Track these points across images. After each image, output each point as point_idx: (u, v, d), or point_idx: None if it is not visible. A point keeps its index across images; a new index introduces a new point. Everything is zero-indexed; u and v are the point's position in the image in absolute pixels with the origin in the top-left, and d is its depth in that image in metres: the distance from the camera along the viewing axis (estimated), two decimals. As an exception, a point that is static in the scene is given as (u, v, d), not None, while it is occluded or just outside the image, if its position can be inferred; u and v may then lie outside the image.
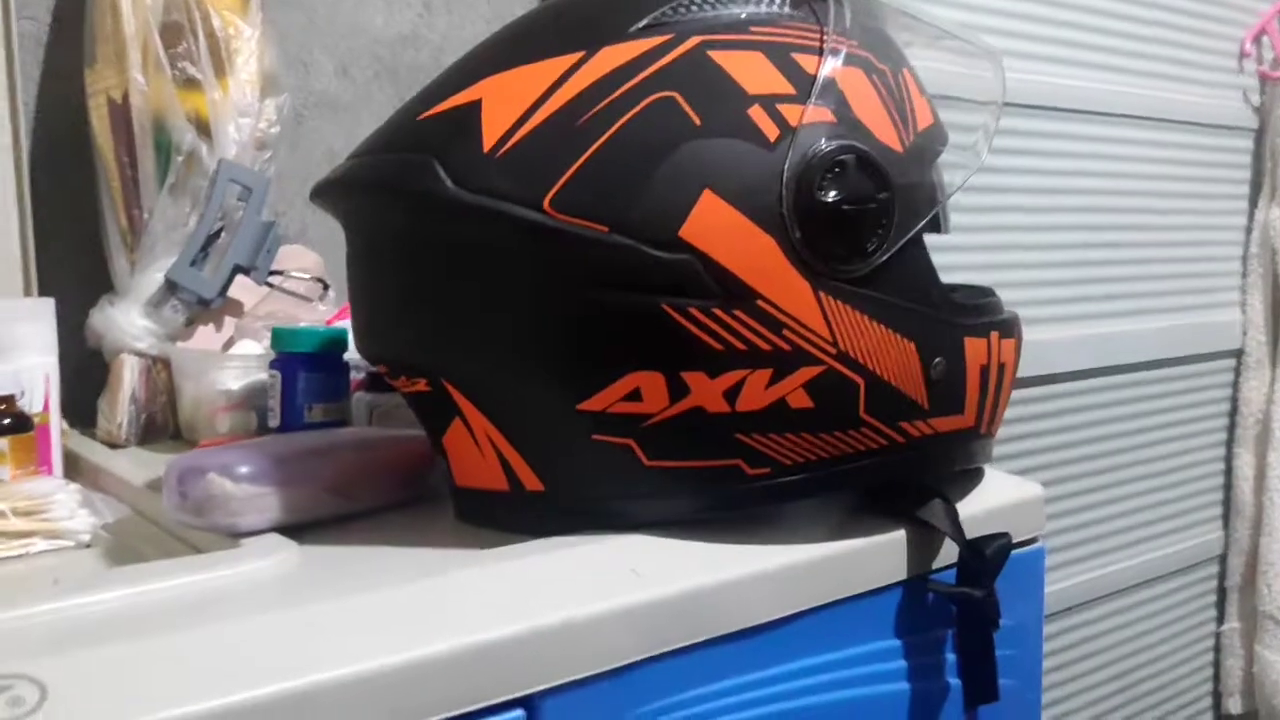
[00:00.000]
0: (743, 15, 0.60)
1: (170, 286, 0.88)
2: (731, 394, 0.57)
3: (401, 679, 0.46)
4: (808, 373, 0.58)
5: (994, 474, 0.77)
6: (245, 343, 0.88)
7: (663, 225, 0.55)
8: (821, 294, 0.58)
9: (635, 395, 0.57)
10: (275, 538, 0.59)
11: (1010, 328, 0.68)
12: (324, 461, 0.64)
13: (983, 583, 0.64)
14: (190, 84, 0.91)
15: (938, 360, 0.62)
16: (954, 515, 0.65)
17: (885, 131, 0.60)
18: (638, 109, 0.56)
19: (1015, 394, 1.01)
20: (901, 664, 0.66)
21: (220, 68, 0.92)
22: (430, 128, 0.59)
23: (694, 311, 0.56)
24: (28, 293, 0.89)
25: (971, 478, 0.74)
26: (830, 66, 0.59)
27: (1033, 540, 0.76)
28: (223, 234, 0.89)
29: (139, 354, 0.88)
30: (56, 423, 0.82)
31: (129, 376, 0.88)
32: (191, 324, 0.90)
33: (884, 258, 0.59)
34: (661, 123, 0.56)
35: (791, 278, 0.57)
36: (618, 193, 0.56)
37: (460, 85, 0.59)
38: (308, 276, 0.96)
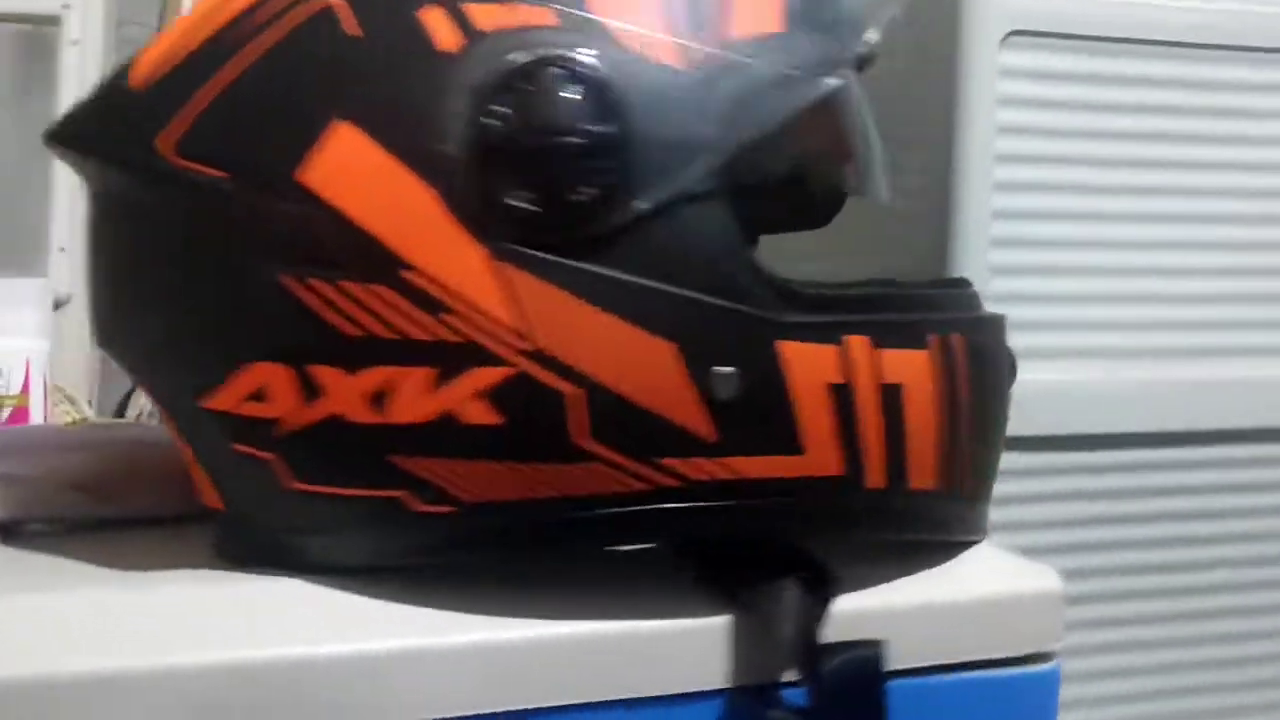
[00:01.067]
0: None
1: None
2: (378, 399, 0.42)
3: None
4: (485, 375, 0.42)
5: (990, 553, 0.54)
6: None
7: (278, 168, 0.42)
8: (503, 265, 0.41)
9: (260, 394, 0.44)
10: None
11: (913, 333, 0.45)
12: (72, 457, 0.56)
13: (809, 713, 0.43)
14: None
15: (721, 370, 0.42)
16: (805, 604, 0.44)
17: (649, 38, 0.42)
18: (288, 25, 0.43)
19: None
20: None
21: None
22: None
23: (316, 283, 0.42)
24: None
25: (937, 552, 0.51)
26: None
27: (1039, 658, 0.52)
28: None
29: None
30: (40, 406, 0.82)
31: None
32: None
33: (621, 217, 0.41)
34: (311, 40, 0.43)
35: (456, 241, 0.41)
36: (244, 130, 0.43)
37: None
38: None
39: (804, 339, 0.43)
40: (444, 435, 0.43)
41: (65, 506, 0.56)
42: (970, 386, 0.48)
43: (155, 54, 0.46)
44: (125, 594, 0.45)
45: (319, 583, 0.46)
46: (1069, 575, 0.64)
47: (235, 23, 0.44)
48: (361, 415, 0.43)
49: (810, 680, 0.43)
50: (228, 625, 0.43)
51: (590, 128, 0.41)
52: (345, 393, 0.43)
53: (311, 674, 0.42)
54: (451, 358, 0.42)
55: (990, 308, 0.61)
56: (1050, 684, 0.52)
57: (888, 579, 0.51)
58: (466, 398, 0.42)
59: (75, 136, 0.47)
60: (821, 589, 0.47)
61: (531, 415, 0.42)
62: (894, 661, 0.48)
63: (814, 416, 0.44)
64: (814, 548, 0.49)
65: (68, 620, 0.43)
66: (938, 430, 0.47)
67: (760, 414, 0.43)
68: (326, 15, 0.43)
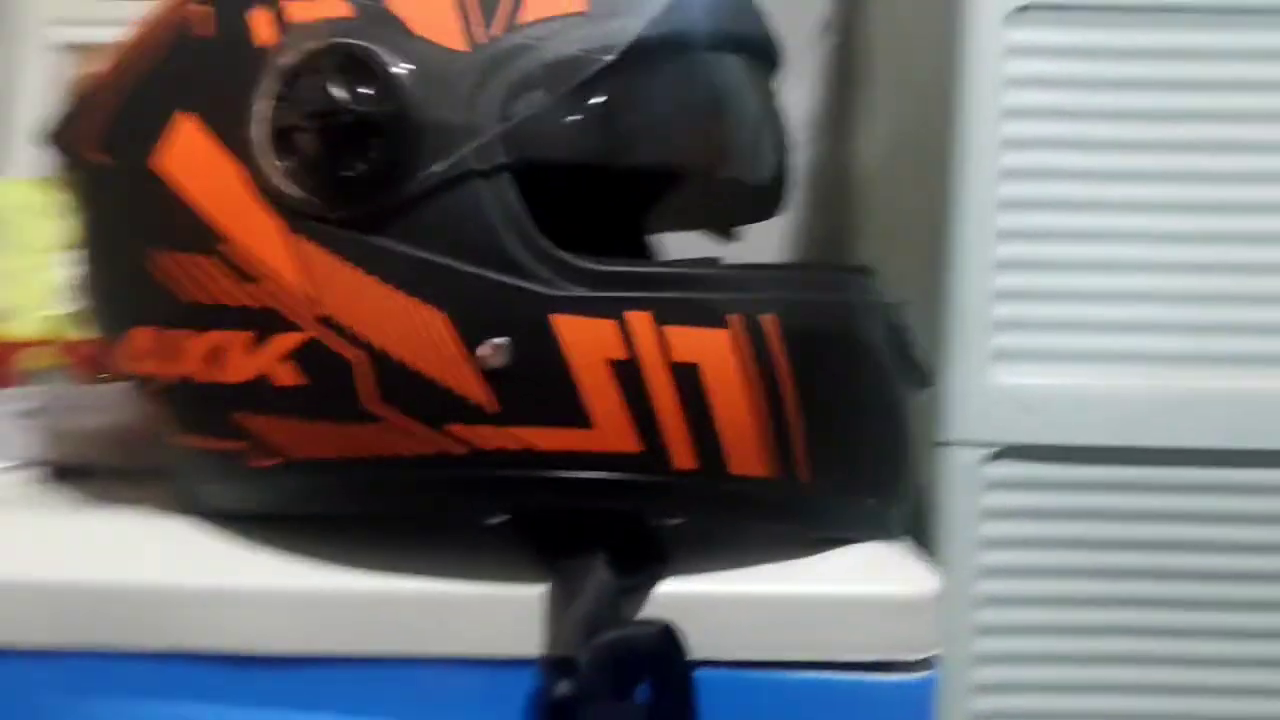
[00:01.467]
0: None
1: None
2: (214, 360, 0.48)
3: None
4: (287, 340, 0.46)
5: (876, 552, 0.51)
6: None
7: (141, 156, 0.49)
8: (297, 238, 0.45)
9: (138, 355, 0.50)
10: None
11: (706, 311, 0.45)
12: (108, 416, 0.66)
13: (577, 687, 0.43)
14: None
15: (492, 343, 0.44)
16: (606, 581, 0.45)
17: (438, 24, 0.44)
18: (159, 34, 0.50)
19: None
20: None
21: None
22: None
23: (167, 257, 0.48)
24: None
25: (812, 545, 0.50)
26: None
27: (913, 666, 0.49)
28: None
29: None
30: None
31: None
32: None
33: (397, 193, 0.44)
34: (169, 46, 0.50)
35: (259, 216, 0.46)
36: (124, 124, 0.50)
37: None
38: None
39: (579, 313, 0.44)
40: (263, 394, 0.47)
41: (101, 457, 0.66)
42: (793, 371, 0.46)
43: (91, 68, 0.54)
44: (70, 524, 0.53)
45: (205, 525, 0.51)
46: (1072, 601, 0.59)
47: (137, 37, 0.51)
48: (203, 374, 0.48)
49: (582, 656, 0.44)
50: (109, 555, 0.50)
51: (361, 109, 0.44)
52: (191, 354, 0.48)
53: (154, 600, 0.47)
54: (262, 323, 0.46)
55: (994, 305, 0.58)
56: (922, 694, 0.49)
57: (742, 566, 0.50)
58: (275, 360, 0.46)
59: (49, 138, 0.56)
60: (641, 568, 0.47)
61: (326, 378, 0.46)
62: (733, 652, 0.48)
63: (598, 391, 0.44)
64: (654, 529, 0.49)
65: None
66: (753, 414, 0.46)
67: (538, 385, 0.44)
68: (183, 23, 0.49)
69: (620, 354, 0.44)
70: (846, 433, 0.50)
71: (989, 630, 0.66)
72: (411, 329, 0.44)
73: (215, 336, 0.48)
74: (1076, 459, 0.65)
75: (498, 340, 0.44)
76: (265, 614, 0.48)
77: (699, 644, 0.45)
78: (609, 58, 0.44)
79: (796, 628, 0.49)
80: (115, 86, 0.51)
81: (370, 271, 0.44)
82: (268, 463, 0.48)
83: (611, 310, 0.44)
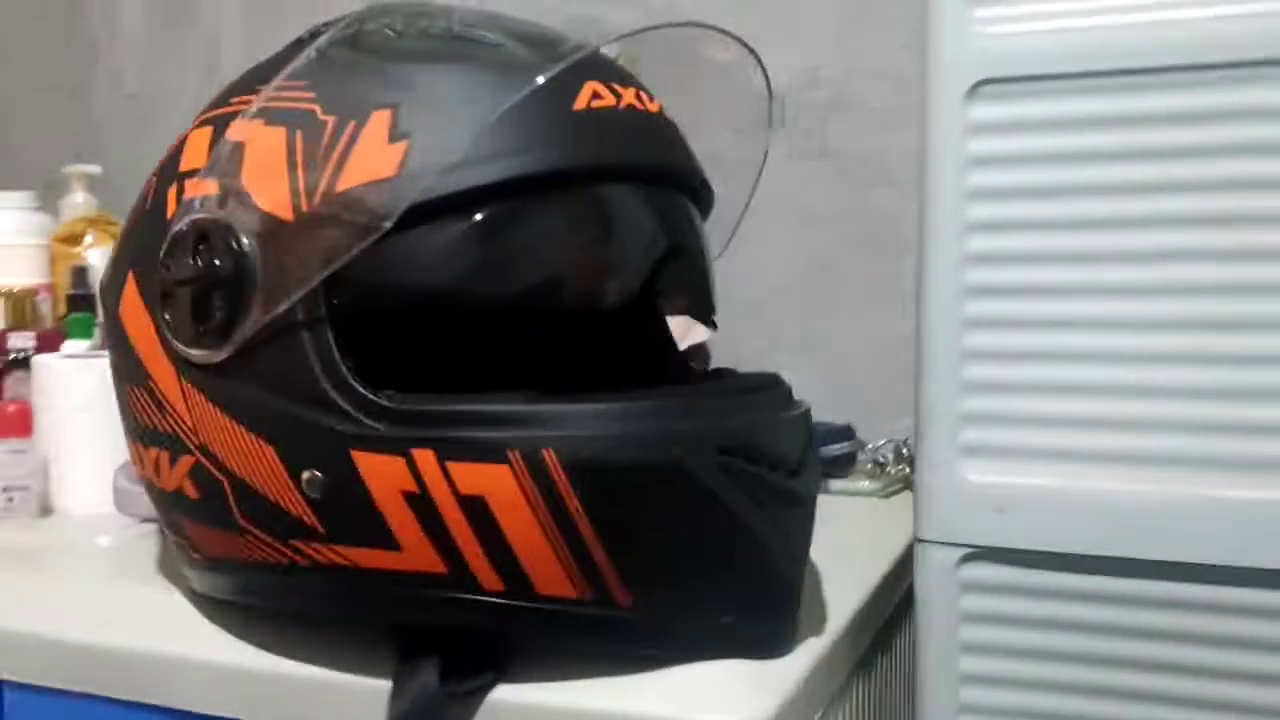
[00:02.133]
0: (240, 85, 0.59)
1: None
2: (157, 471, 0.59)
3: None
4: (187, 461, 0.56)
5: (706, 673, 0.53)
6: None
7: (112, 307, 0.60)
8: (183, 379, 0.55)
9: (133, 461, 0.62)
10: None
11: (486, 449, 0.48)
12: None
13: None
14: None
15: (308, 474, 0.51)
16: (426, 685, 0.52)
17: (272, 197, 0.52)
18: (141, 197, 0.61)
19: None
20: None
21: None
22: None
23: (127, 388, 0.60)
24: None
25: (652, 663, 0.53)
26: (235, 130, 0.54)
27: None
28: None
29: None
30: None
31: None
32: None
33: (236, 339, 0.52)
34: (134, 212, 0.61)
35: (163, 360, 0.56)
36: (110, 275, 0.62)
37: None
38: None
39: (374, 450, 0.49)
40: (182, 503, 0.57)
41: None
42: (581, 501, 0.48)
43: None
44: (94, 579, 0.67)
45: (194, 603, 0.62)
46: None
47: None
48: (155, 481, 0.59)
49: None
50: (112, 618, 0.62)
51: (210, 274, 0.52)
52: (147, 464, 0.60)
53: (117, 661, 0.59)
54: (172, 446, 0.56)
55: (962, 397, 0.56)
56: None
57: (585, 678, 0.53)
58: (182, 476, 0.56)
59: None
60: (475, 676, 0.52)
61: (210, 496, 0.55)
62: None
63: (399, 518, 0.50)
64: (493, 640, 0.53)
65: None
66: (547, 540, 0.49)
67: (350, 512, 0.50)
68: (146, 191, 0.60)
69: (412, 487, 0.49)
70: (663, 556, 0.51)
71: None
72: (256, 460, 0.52)
73: (153, 452, 0.58)
74: (1055, 566, 0.60)
75: (313, 472, 0.50)
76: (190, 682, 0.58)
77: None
78: (387, 224, 0.48)
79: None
80: (117, 245, 0.63)
81: (226, 410, 0.53)
82: (197, 557, 0.58)
83: (399, 448, 0.49)
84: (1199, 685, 0.58)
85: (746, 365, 1.10)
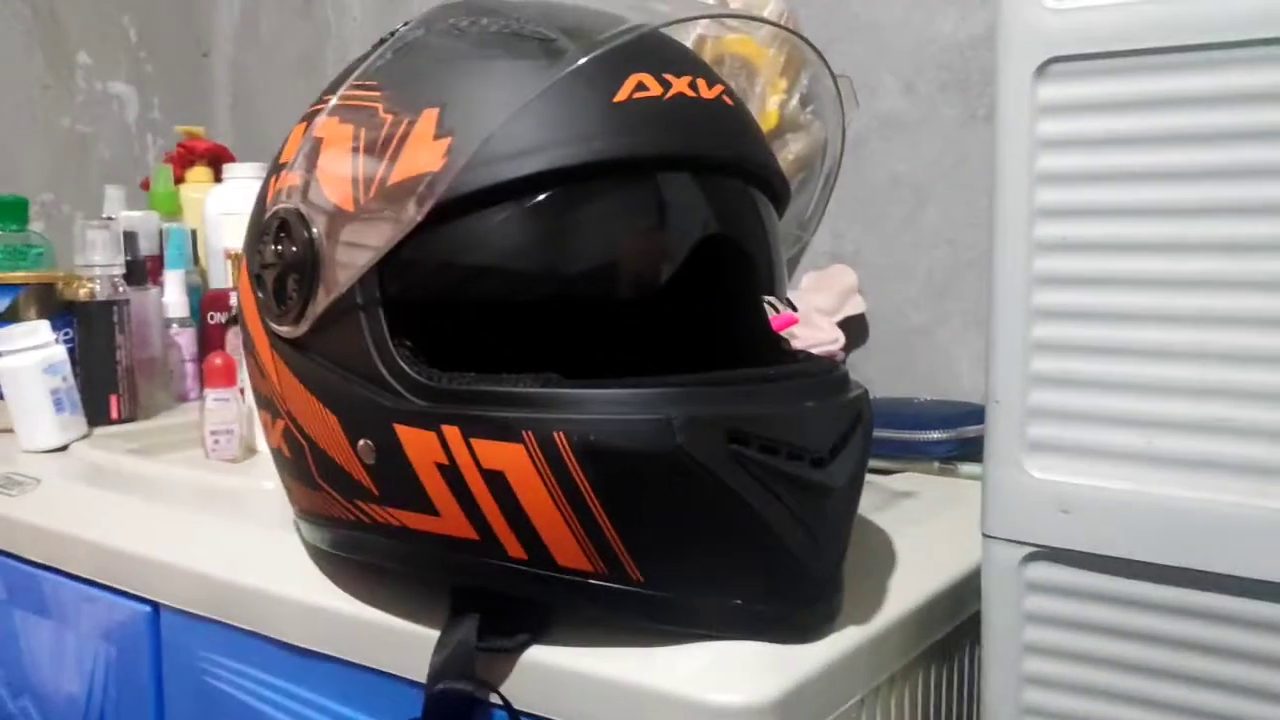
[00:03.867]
0: (334, 82, 0.66)
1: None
2: (266, 430, 0.68)
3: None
4: (280, 424, 0.64)
5: (719, 651, 0.57)
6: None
7: (237, 285, 0.70)
8: (275, 351, 0.63)
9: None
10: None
11: (502, 428, 0.53)
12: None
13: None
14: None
15: (363, 441, 0.58)
16: (464, 638, 0.58)
17: (338, 190, 0.59)
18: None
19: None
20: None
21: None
22: None
23: (246, 355, 0.69)
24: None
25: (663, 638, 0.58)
26: (317, 126, 0.62)
27: None
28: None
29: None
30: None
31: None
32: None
33: (309, 318, 0.60)
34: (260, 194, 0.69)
35: (261, 333, 0.65)
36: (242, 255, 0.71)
37: None
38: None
39: (412, 424, 0.55)
40: (281, 460, 0.66)
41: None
42: (590, 481, 0.52)
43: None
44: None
45: (305, 547, 0.71)
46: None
47: None
48: (267, 439, 0.68)
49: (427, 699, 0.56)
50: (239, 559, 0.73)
51: (290, 256, 0.59)
52: (262, 424, 0.68)
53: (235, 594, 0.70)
54: (270, 408, 0.65)
55: (1030, 389, 0.57)
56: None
57: (610, 646, 0.57)
58: (280, 437, 0.65)
59: None
60: (511, 634, 0.58)
61: (297, 455, 0.63)
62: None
63: (434, 487, 0.56)
64: (530, 604, 0.58)
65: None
66: (562, 516, 0.53)
67: (397, 479, 0.57)
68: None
69: (443, 459, 0.55)
70: (670, 538, 0.54)
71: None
72: (324, 427, 0.59)
73: (264, 414, 0.67)
74: (1121, 571, 0.58)
75: (367, 440, 0.57)
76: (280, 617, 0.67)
77: (530, 704, 0.56)
78: (419, 217, 0.54)
79: (617, 712, 0.55)
80: None
81: (302, 381, 0.60)
82: (297, 509, 0.67)
83: (432, 423, 0.55)
84: (1274, 711, 0.54)
85: (911, 340, 1.10)
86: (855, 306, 1.08)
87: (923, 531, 0.75)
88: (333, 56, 1.62)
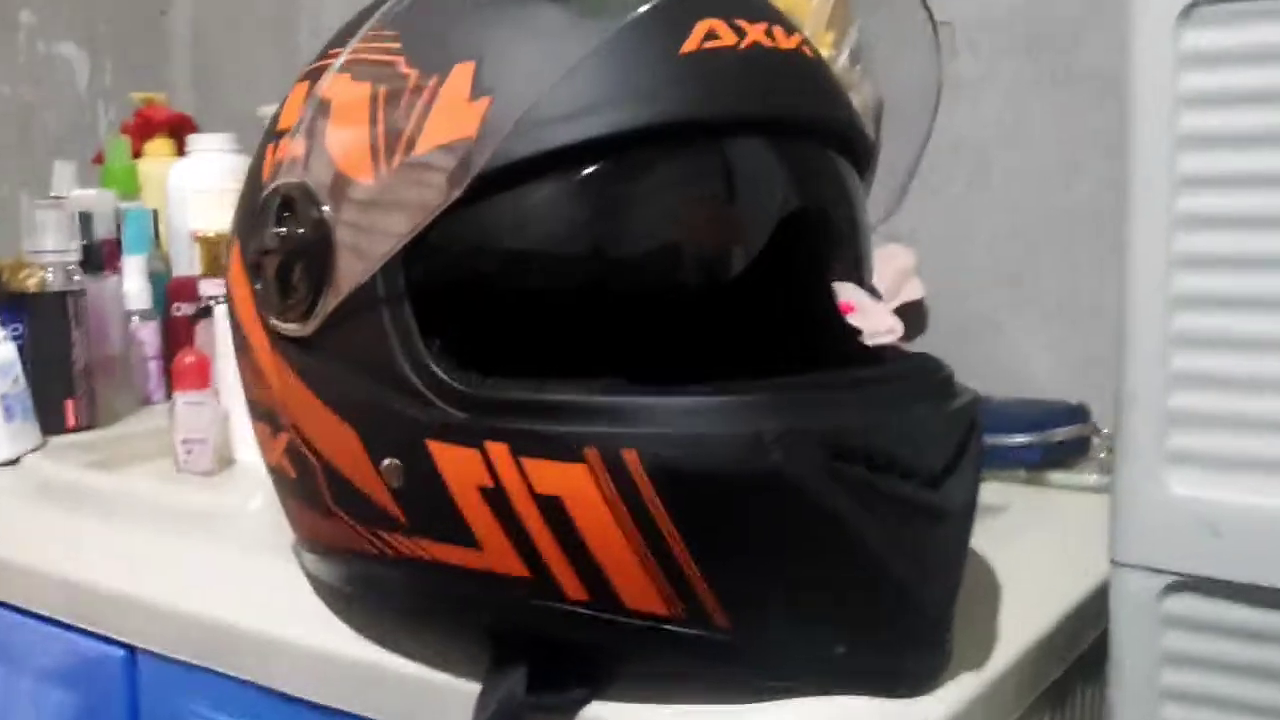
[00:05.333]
0: (339, 34, 0.60)
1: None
2: (263, 446, 0.62)
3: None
4: (284, 438, 0.58)
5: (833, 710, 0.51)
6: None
7: (225, 274, 0.63)
8: (277, 352, 0.57)
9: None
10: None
11: (559, 444, 0.47)
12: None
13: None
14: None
15: (388, 461, 0.52)
16: (510, 693, 0.52)
17: (354, 161, 0.52)
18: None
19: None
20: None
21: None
22: None
23: (237, 356, 0.62)
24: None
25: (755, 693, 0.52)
26: (324, 85, 0.55)
27: None
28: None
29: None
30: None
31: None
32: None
33: (319, 313, 0.53)
34: (252, 165, 0.63)
35: (258, 329, 0.58)
36: (225, 245, 0.65)
37: None
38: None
39: (448, 441, 0.49)
40: (282, 481, 0.59)
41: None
42: (668, 509, 0.47)
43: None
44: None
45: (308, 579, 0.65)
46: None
47: None
48: (264, 455, 0.62)
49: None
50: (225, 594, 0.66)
51: (291, 242, 0.53)
52: (258, 436, 0.62)
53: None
54: (270, 420, 0.58)
55: (1170, 391, 0.51)
56: None
57: (680, 702, 0.52)
58: (281, 453, 0.58)
59: None
60: (565, 689, 0.52)
61: (304, 475, 0.56)
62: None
63: (476, 515, 0.49)
64: (586, 653, 0.53)
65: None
66: (633, 551, 0.47)
67: (429, 505, 0.51)
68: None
69: (488, 482, 0.49)
70: (762, 575, 0.48)
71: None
72: (341, 443, 0.53)
73: (260, 425, 0.60)
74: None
75: (393, 460, 0.51)
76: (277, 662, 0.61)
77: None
78: (456, 193, 0.48)
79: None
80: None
81: (311, 388, 0.54)
82: (301, 537, 0.61)
83: (474, 440, 0.48)
84: None
85: (970, 327, 1.05)
86: (913, 291, 1.02)
87: (1021, 552, 0.69)
88: (308, 12, 1.55)
